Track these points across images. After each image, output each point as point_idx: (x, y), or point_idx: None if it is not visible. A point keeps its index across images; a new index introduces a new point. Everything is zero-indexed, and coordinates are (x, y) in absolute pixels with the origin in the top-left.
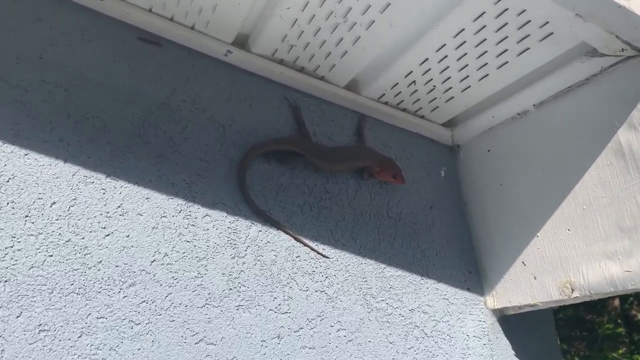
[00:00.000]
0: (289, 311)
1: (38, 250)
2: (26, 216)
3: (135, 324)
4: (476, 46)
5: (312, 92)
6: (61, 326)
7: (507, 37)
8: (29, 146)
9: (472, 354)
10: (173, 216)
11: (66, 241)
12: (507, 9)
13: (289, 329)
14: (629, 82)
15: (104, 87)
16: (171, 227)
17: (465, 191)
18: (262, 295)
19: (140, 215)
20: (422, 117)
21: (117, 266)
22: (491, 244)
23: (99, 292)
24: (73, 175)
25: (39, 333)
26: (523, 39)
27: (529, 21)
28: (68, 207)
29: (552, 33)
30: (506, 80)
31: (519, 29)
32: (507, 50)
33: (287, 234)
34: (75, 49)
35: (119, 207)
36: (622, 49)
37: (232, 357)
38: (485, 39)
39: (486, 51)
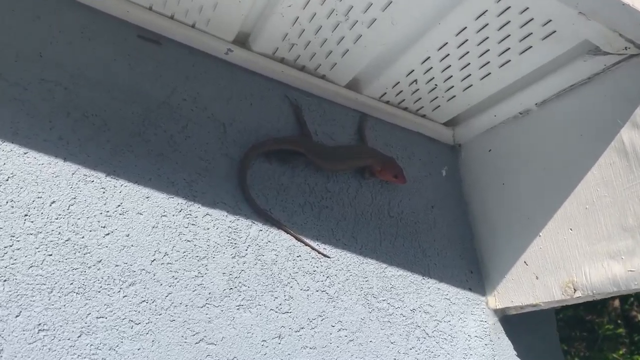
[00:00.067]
0: (289, 311)
1: (37, 250)
2: (25, 215)
3: (135, 323)
4: (478, 45)
5: (313, 91)
6: (61, 326)
7: (509, 35)
8: (28, 145)
9: (474, 354)
10: (173, 215)
11: (66, 240)
12: (509, 7)
13: (290, 329)
14: (632, 80)
15: (103, 86)
16: (171, 227)
17: (466, 191)
18: (262, 295)
19: (140, 214)
20: (424, 116)
21: (117, 265)
22: (493, 244)
23: (99, 292)
24: (73, 174)
25: (38, 333)
26: (525, 38)
27: (532, 19)
28: (68, 206)
29: (554, 31)
30: (508, 79)
31: (522, 27)
32: (509, 48)
33: (288, 233)
34: (74, 47)
35: (118, 206)
36: (626, 47)
37: (232, 357)
38: (487, 38)
39: (488, 50)
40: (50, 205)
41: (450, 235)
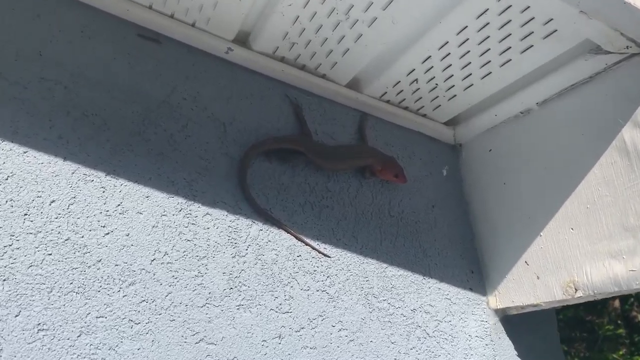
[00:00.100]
0: (290, 311)
1: (37, 249)
2: (25, 214)
3: (135, 323)
4: (479, 44)
5: (313, 90)
6: (60, 325)
7: (510, 34)
8: (28, 144)
9: (475, 354)
10: (173, 215)
11: (65, 240)
12: (510, 5)
13: (290, 329)
14: (634, 79)
15: (103, 85)
16: (171, 226)
17: (467, 190)
18: (263, 295)
19: (140, 213)
20: (424, 115)
21: (116, 265)
22: (494, 244)
23: (99, 291)
24: (72, 173)
25: (37, 332)
26: (526, 37)
27: (533, 18)
28: (67, 205)
29: (555, 30)
30: (509, 78)
31: (523, 26)
32: (510, 47)
33: (288, 233)
34: (74, 46)
35: (118, 205)
36: (627, 46)
37: (232, 357)
38: (489, 37)
39: (489, 49)
40: (50, 204)
41: (451, 235)
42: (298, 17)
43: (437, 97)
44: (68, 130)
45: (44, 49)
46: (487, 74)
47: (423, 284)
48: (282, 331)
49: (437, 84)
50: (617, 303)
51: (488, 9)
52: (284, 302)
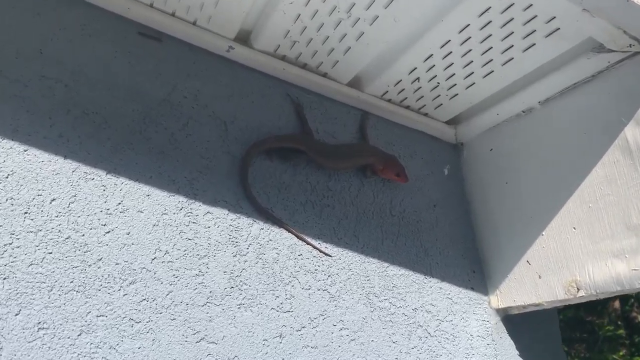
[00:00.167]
0: (291, 310)
1: (37, 248)
2: (25, 213)
3: (136, 322)
4: (481, 42)
5: (314, 89)
6: (60, 324)
7: (512, 32)
8: (29, 142)
9: (476, 353)
10: (174, 213)
11: (66, 238)
12: (512, 4)
13: (291, 328)
14: (637, 78)
15: (104, 83)
16: (172, 225)
17: (469, 189)
18: (264, 294)
19: (141, 212)
20: (426, 114)
21: (117, 264)
22: (495, 243)
23: (99, 290)
24: (73, 171)
25: (38, 331)
26: (529, 35)
27: (535, 16)
28: (68, 203)
29: (558, 29)
30: (511, 77)
31: (525, 24)
32: (512, 46)
33: (289, 232)
34: (75, 44)
35: (119, 204)
36: (630, 45)
37: (233, 356)
38: (491, 35)
39: (491, 47)
40: (51, 203)
41: (453, 235)
42: (299, 15)
43: (439, 95)
44: (68, 129)
45: (45, 47)
46: (489, 73)
47: (424, 283)
48: (283, 330)
49: (438, 83)
50: (617, 304)
51: (490, 7)
52: (285, 301)
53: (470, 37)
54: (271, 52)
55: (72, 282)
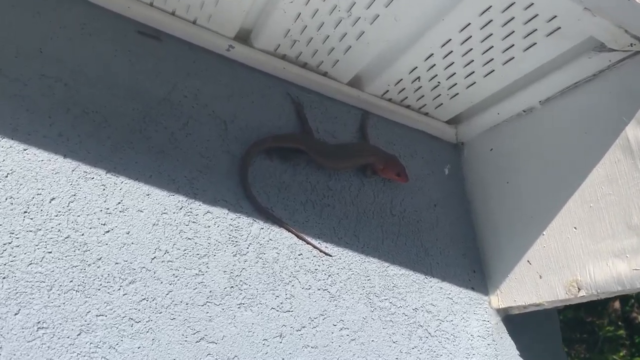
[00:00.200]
0: (291, 310)
1: (37, 247)
2: (25, 212)
3: (135, 321)
4: (482, 41)
5: (314, 88)
6: (60, 324)
7: (513, 32)
8: (28, 141)
9: (477, 353)
10: (174, 213)
11: (65, 237)
12: (513, 2)
13: (291, 328)
14: (638, 77)
15: (104, 82)
16: (172, 224)
17: (469, 189)
18: (263, 294)
19: (141, 211)
20: (426, 114)
21: (117, 263)
22: (496, 243)
23: (99, 290)
24: (73, 170)
25: (37, 330)
26: (530, 34)
27: (536, 15)
28: (67, 203)
29: (559, 28)
30: (512, 76)
31: (526, 23)
32: (513, 45)
33: (289, 231)
34: (75, 43)
35: (119, 203)
36: (631, 44)
37: (233, 356)
38: (491, 34)
39: (492, 46)
40: (50, 202)
41: (453, 234)
42: (300, 14)
43: (439, 95)
44: (68, 128)
45: (45, 46)
46: (490, 72)
47: (425, 283)
48: (283, 330)
49: (439, 82)
50: (617, 304)
51: (491, 6)
52: (285, 300)
53: (471, 36)
54: (271, 51)
55: (71, 281)
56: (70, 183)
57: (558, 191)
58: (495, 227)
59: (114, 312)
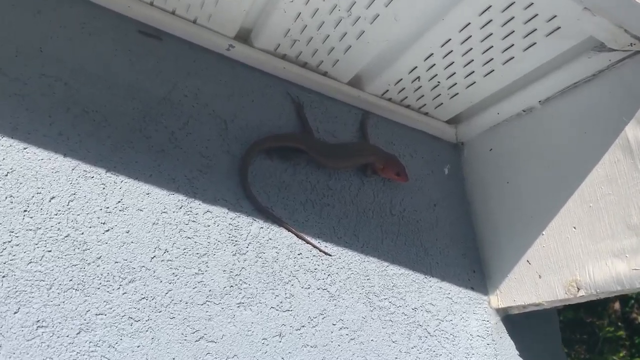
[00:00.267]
0: (290, 309)
1: (36, 246)
2: (25, 211)
3: (135, 320)
4: (482, 41)
5: (315, 87)
6: (59, 322)
7: (513, 31)
8: (28, 140)
9: (476, 353)
10: (174, 212)
11: (65, 236)
12: (513, 2)
13: (291, 327)
14: (638, 77)
15: (104, 81)
16: (172, 223)
17: (469, 189)
18: (263, 293)
19: (141, 210)
20: (426, 114)
21: (116, 262)
22: (496, 243)
23: (98, 289)
24: (72, 169)
25: (37, 329)
26: (530, 34)
27: (536, 15)
28: (67, 202)
29: (559, 27)
30: (512, 76)
31: (526, 23)
32: (513, 45)
33: (289, 231)
34: (75, 42)
35: (119, 202)
36: (631, 44)
37: (233, 355)
38: (491, 34)
39: (492, 46)
40: (50, 201)
41: (453, 234)
42: (300, 14)
43: (439, 95)
44: (68, 127)
45: (45, 46)
46: (490, 72)
47: (424, 283)
48: (282, 329)
49: (439, 82)
50: (617, 305)
51: (491, 6)
52: (285, 300)
53: (470, 36)
54: (271, 51)
55: (71, 280)
56: (70, 182)
57: (558, 191)
58: (495, 227)
59: (113, 311)
